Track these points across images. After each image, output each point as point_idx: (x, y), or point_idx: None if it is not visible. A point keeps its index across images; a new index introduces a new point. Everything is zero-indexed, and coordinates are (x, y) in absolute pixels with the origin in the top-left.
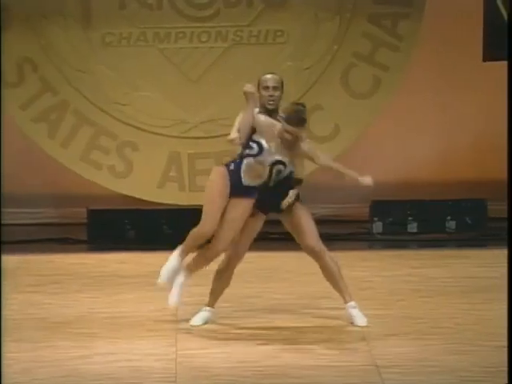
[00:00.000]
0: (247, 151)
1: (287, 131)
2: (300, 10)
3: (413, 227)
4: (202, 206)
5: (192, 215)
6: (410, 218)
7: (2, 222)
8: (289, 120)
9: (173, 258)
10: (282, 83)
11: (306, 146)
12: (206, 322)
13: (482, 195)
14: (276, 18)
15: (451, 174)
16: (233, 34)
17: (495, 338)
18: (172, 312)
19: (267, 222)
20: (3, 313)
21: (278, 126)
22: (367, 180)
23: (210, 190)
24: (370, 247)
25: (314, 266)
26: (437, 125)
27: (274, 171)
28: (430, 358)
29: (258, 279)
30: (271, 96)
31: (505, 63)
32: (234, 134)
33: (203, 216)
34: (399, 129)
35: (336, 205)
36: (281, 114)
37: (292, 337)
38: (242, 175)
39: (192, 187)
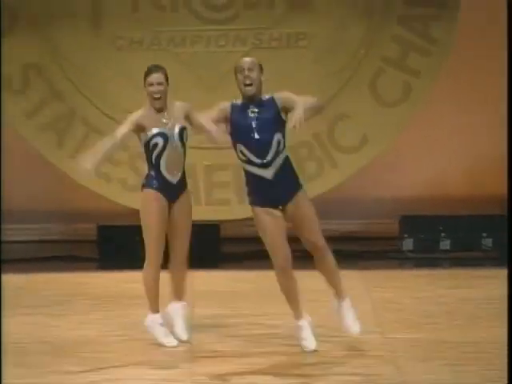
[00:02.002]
0: None
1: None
2: (324, 12)
3: (446, 244)
4: (218, 221)
5: (208, 230)
6: (442, 235)
7: (5, 239)
8: None
9: (152, 325)
10: (261, 67)
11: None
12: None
13: None
14: (298, 20)
15: (484, 187)
16: (252, 37)
17: None
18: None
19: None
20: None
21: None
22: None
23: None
24: (400, 266)
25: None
26: (466, 136)
27: None
28: None
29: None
30: (246, 77)
31: None
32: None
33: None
34: (427, 139)
35: (363, 220)
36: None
37: (320, 361)
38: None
39: (208, 201)
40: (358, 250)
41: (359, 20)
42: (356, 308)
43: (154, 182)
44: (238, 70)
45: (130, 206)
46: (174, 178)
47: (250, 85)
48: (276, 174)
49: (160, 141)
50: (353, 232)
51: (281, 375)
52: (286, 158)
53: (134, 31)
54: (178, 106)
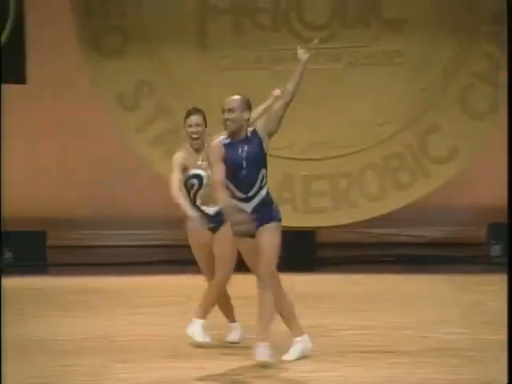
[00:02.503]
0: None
1: None
2: (418, 30)
3: None
4: (315, 227)
5: (304, 236)
6: None
7: (122, 243)
8: None
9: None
10: (243, 105)
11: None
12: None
13: None
14: (393, 38)
15: None
16: (348, 55)
17: None
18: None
19: (380, 246)
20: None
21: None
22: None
23: None
24: (488, 271)
25: (426, 289)
26: None
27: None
28: None
29: (374, 302)
30: (226, 119)
31: None
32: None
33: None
34: None
35: (451, 227)
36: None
37: (408, 361)
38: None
39: (305, 209)
40: (447, 255)
41: (451, 37)
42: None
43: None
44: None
45: None
46: (210, 209)
47: (228, 123)
48: (257, 206)
49: (195, 182)
50: (442, 238)
51: (372, 370)
52: (268, 191)
53: (237, 51)
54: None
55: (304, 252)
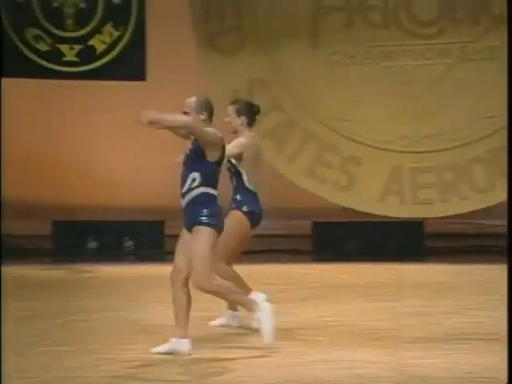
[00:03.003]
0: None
1: None
2: None
3: None
4: (423, 218)
5: (412, 228)
6: None
7: None
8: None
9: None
10: (199, 107)
11: None
12: None
13: None
14: (502, 34)
15: None
16: (457, 50)
17: None
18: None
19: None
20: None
21: None
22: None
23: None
24: None
25: None
26: None
27: None
28: None
29: (479, 291)
30: None
31: None
32: None
33: None
34: None
35: None
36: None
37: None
38: None
39: (413, 200)
40: None
41: None
42: None
43: (246, 208)
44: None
45: (342, 204)
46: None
47: None
48: (187, 205)
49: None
50: None
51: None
52: (201, 195)
53: (347, 46)
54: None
55: (413, 242)
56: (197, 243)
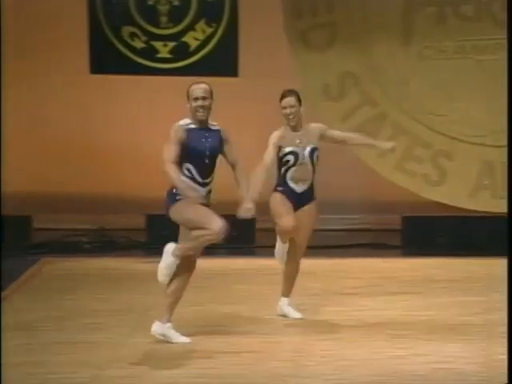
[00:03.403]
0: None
1: None
2: None
3: None
4: None
5: (504, 222)
6: None
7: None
8: None
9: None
10: (212, 93)
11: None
12: None
13: None
14: None
15: None
16: None
17: None
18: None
19: None
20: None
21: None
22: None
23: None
24: None
25: None
26: None
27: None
28: None
29: None
30: (201, 106)
31: None
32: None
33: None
34: None
35: None
36: None
37: None
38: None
39: (505, 195)
40: None
41: None
42: None
43: (281, 188)
44: (191, 96)
45: (432, 199)
46: (298, 188)
47: (204, 112)
48: (207, 192)
49: (291, 158)
50: None
51: None
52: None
53: (439, 41)
54: (313, 128)
55: (505, 237)
56: None
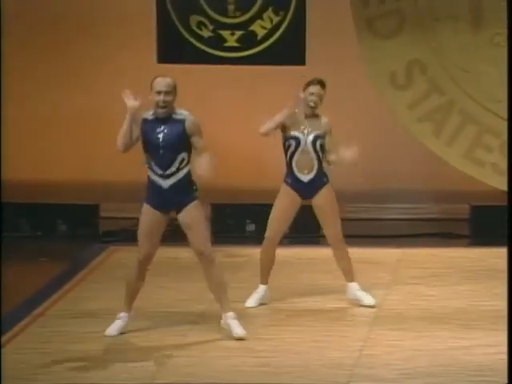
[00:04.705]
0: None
1: None
2: None
3: None
4: None
5: None
6: None
7: (383, 216)
8: None
9: None
10: (175, 87)
11: None
12: None
13: None
14: None
15: None
16: None
17: None
18: None
19: None
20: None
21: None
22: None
23: None
24: None
25: None
26: None
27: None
28: None
29: None
30: (162, 101)
31: None
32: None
33: None
34: None
35: None
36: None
37: None
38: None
39: None
40: None
41: None
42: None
43: (288, 179)
44: (154, 89)
45: (500, 188)
46: (304, 177)
47: (165, 107)
48: (171, 185)
49: (292, 143)
50: None
51: None
52: (187, 173)
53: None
54: (325, 121)
55: None
56: (198, 215)
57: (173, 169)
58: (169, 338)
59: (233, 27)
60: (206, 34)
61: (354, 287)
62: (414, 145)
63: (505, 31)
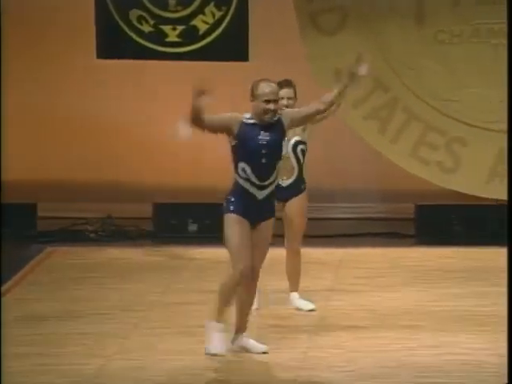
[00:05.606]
0: None
1: None
2: None
3: None
4: None
5: None
6: None
7: (328, 216)
8: None
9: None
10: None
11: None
12: None
13: None
14: None
15: None
16: None
17: None
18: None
19: None
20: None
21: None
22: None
23: None
24: None
25: None
26: None
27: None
28: None
29: None
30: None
31: None
32: None
33: None
34: None
35: None
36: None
37: None
38: None
39: None
40: None
41: None
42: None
43: None
44: (261, 97)
45: (446, 187)
46: (282, 182)
47: (274, 116)
48: (266, 196)
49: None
50: None
51: None
52: (276, 183)
53: (454, 25)
54: (284, 117)
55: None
56: (270, 234)
57: (271, 179)
58: (109, 340)
59: (174, 22)
60: (146, 28)
61: (295, 296)
62: (361, 144)
63: (449, 29)
